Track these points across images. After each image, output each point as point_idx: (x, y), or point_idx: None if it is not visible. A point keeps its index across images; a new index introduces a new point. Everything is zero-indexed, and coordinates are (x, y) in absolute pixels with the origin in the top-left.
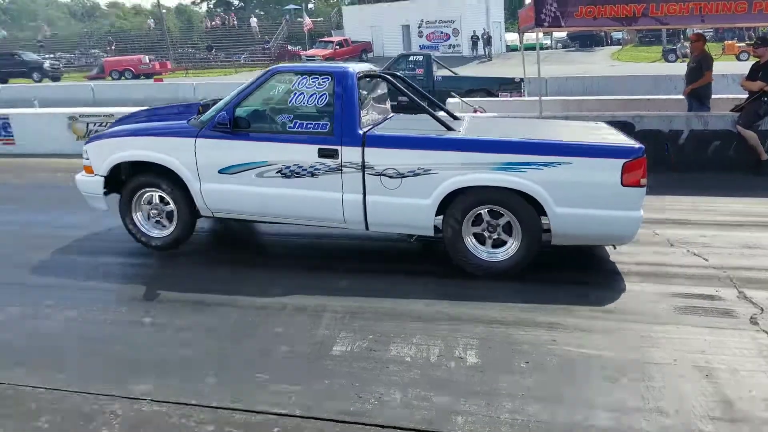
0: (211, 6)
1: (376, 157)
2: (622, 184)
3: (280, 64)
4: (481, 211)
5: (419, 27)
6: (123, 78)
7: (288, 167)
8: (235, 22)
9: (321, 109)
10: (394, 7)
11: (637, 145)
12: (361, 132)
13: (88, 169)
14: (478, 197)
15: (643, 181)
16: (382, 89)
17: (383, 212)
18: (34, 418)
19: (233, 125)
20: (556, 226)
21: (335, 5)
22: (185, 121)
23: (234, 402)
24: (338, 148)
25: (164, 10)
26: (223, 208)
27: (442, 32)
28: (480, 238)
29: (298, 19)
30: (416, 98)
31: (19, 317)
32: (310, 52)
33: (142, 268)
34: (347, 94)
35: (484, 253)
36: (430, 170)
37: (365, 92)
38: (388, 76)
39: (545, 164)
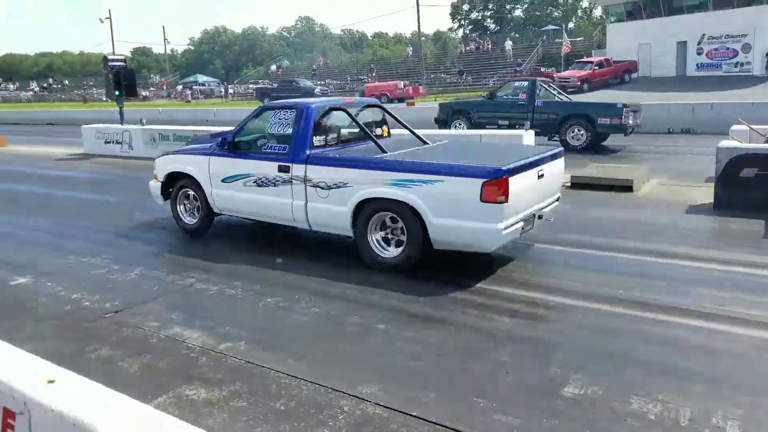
0: (467, 31)
1: (314, 172)
2: (481, 200)
3: (267, 102)
4: (386, 217)
5: (699, 43)
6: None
7: (260, 178)
8: (489, 46)
9: (285, 135)
10: (667, 22)
11: (499, 166)
12: (307, 153)
13: (156, 177)
14: (378, 206)
15: (501, 198)
16: (375, 116)
17: (318, 216)
18: (273, 399)
19: (233, 147)
20: (432, 233)
21: (599, 23)
22: (213, 144)
23: (452, 421)
24: (290, 165)
25: (423, 38)
26: (225, 207)
27: (727, 48)
28: (386, 239)
29: (557, 40)
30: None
31: (275, 308)
32: (565, 73)
33: (381, 278)
34: (302, 124)
35: (381, 250)
36: (347, 184)
37: (333, 122)
38: (382, 107)
39: (425, 182)
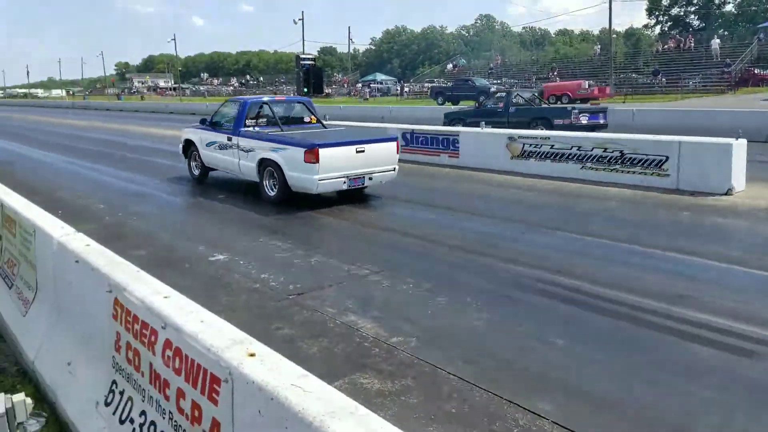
0: (666, 28)
1: (242, 142)
2: (304, 161)
3: (234, 97)
4: (272, 171)
5: None
6: (559, 102)
7: (221, 144)
8: (692, 44)
9: (233, 117)
10: None
11: (314, 142)
12: (240, 130)
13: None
14: (267, 163)
15: (313, 160)
16: (304, 110)
17: (244, 168)
18: (444, 400)
19: (211, 124)
20: (288, 180)
21: None
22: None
23: None
24: (232, 136)
25: (614, 35)
26: (209, 163)
27: None
28: (272, 185)
29: None
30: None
31: (446, 309)
32: None
33: (559, 291)
34: (240, 111)
35: (269, 191)
36: (254, 149)
37: (264, 111)
38: (305, 102)
39: (283, 149)
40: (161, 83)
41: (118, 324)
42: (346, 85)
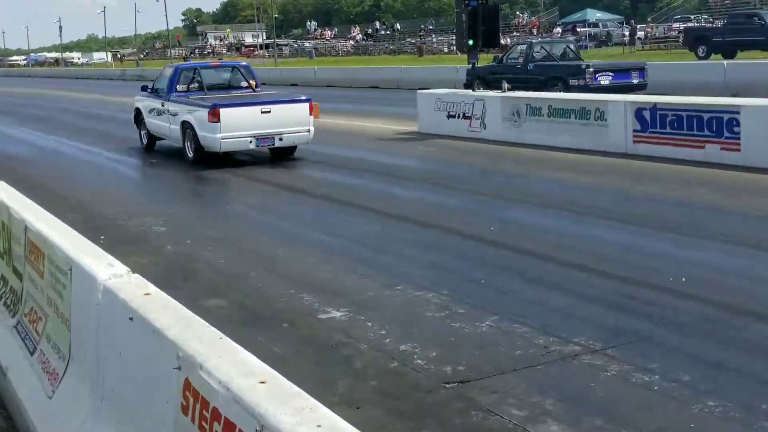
0: None
1: (171, 106)
2: (208, 121)
3: (171, 64)
4: (191, 132)
5: None
6: None
7: (156, 110)
8: None
9: (167, 83)
10: None
11: (216, 103)
12: (170, 95)
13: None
14: (186, 126)
15: (215, 120)
16: (241, 75)
17: (171, 132)
18: None
19: (153, 91)
20: (200, 140)
21: None
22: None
23: None
24: (164, 102)
25: None
26: (152, 130)
27: None
28: (191, 146)
29: None
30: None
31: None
32: None
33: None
34: (172, 77)
35: (189, 152)
36: (178, 113)
37: (196, 77)
38: (240, 67)
39: (195, 111)
40: (248, 39)
41: (189, 420)
42: (536, 31)
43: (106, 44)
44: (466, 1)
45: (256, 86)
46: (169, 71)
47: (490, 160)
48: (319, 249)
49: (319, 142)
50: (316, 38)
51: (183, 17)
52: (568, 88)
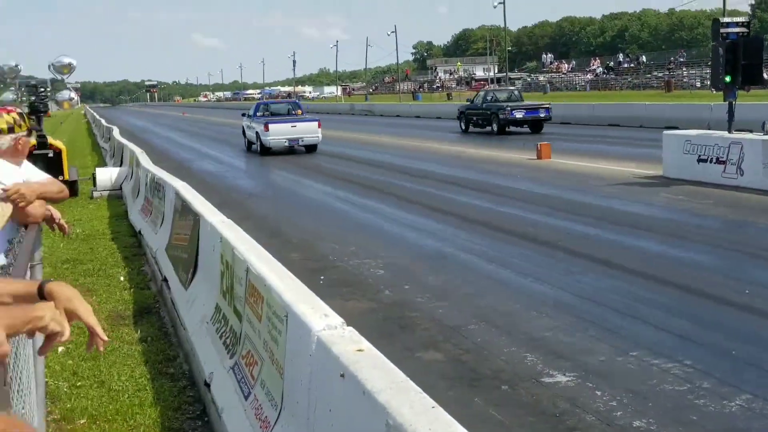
0: None
1: (252, 124)
2: (264, 130)
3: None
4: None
5: None
6: None
7: (247, 126)
8: None
9: (253, 112)
10: None
11: (267, 122)
12: (253, 118)
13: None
14: (258, 133)
15: (266, 130)
16: (294, 106)
17: (251, 138)
18: None
19: (247, 116)
20: (262, 142)
21: None
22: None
23: None
24: (250, 123)
25: None
26: (247, 137)
27: None
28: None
29: None
30: None
31: None
32: None
33: None
34: (254, 108)
35: (258, 147)
36: (253, 127)
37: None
38: (292, 102)
39: (259, 125)
40: (478, 72)
41: None
42: None
43: (336, 78)
44: (724, 33)
45: (302, 113)
46: (254, 105)
47: (746, 211)
48: (544, 303)
49: (546, 182)
50: (552, 71)
51: (413, 50)
52: (499, 127)
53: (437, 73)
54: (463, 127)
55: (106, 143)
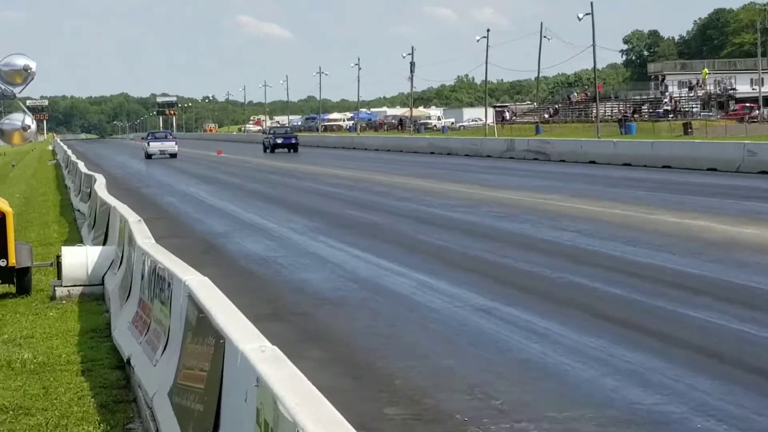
0: None
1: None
2: (148, 145)
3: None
4: None
5: None
6: None
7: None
8: None
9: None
10: None
11: (149, 139)
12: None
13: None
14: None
15: (148, 145)
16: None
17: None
18: None
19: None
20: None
21: None
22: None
23: None
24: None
25: None
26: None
27: None
28: None
29: None
30: None
31: None
32: None
33: None
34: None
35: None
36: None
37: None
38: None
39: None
40: (741, 85)
41: None
42: None
43: (485, 92)
44: None
45: (171, 137)
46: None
47: None
48: None
49: None
50: None
51: (625, 46)
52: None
53: (665, 85)
54: None
55: (84, 202)
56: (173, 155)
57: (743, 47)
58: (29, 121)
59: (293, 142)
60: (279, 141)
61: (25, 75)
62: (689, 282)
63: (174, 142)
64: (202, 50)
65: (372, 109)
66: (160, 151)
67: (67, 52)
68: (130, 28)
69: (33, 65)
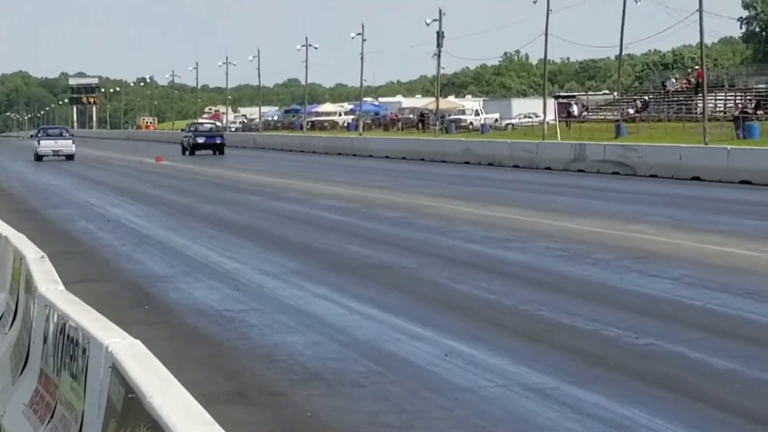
0: None
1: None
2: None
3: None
4: None
5: None
6: None
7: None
8: None
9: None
10: None
11: (39, 135)
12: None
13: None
14: None
15: (38, 143)
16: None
17: None
18: None
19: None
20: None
21: None
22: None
23: None
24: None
25: None
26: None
27: None
28: None
29: None
30: None
31: None
32: None
33: None
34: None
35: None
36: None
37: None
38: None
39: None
40: None
41: None
42: None
43: (544, 78)
44: None
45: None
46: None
47: None
48: None
49: None
50: None
51: (744, 13)
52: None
53: None
54: None
55: None
56: (69, 157)
57: None
58: None
59: (218, 142)
60: (200, 141)
61: None
62: None
63: (71, 141)
64: (136, 11)
65: (381, 99)
66: (54, 151)
67: None
68: None
69: None
